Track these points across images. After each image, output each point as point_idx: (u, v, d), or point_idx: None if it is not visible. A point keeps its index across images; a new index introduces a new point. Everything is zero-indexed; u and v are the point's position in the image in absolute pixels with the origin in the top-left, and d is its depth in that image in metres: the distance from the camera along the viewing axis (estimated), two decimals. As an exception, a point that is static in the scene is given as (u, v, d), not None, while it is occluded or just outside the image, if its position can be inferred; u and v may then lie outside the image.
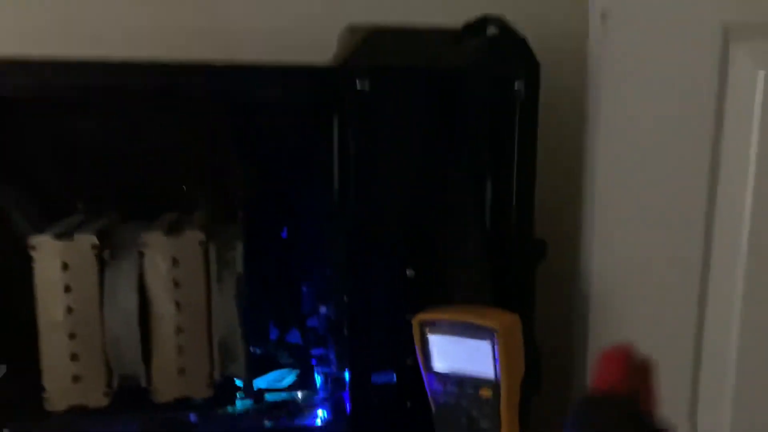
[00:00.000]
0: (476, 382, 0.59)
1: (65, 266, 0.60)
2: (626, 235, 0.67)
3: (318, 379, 0.70)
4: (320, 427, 0.68)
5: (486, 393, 0.59)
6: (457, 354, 0.59)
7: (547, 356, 0.65)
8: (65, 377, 0.61)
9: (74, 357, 0.61)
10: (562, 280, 0.71)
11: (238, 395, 0.67)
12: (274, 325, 0.70)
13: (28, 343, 0.61)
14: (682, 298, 0.68)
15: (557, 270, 0.69)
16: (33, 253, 0.59)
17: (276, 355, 0.70)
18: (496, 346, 0.57)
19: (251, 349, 0.66)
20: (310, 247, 0.70)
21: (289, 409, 0.68)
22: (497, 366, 0.57)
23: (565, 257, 0.70)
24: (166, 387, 0.62)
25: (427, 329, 0.59)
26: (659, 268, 0.68)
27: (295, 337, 0.71)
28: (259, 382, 0.69)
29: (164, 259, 0.61)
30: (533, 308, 0.65)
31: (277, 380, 0.70)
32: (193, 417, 0.65)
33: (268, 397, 0.68)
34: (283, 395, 0.69)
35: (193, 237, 0.61)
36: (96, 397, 0.62)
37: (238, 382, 0.67)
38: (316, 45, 0.67)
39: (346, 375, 0.65)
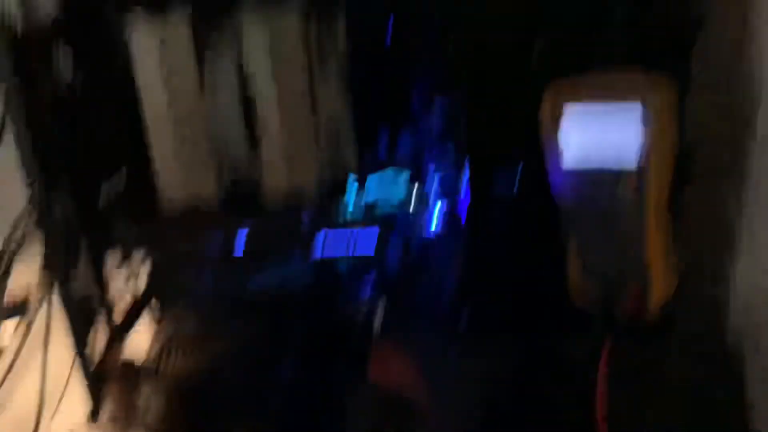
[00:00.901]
0: (616, 174, 0.49)
1: (162, 43, 0.56)
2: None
3: (432, 180, 0.64)
4: (433, 240, 0.62)
5: (630, 185, 0.49)
6: (594, 134, 0.49)
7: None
8: (176, 174, 0.60)
9: (181, 148, 0.59)
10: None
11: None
12: (385, 121, 0.64)
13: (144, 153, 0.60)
14: None
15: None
16: (130, 33, 0.56)
17: (387, 154, 0.64)
18: (646, 120, 0.47)
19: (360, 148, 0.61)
20: (423, 31, 0.61)
21: (401, 221, 0.63)
22: (645, 148, 0.48)
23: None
24: (273, 179, 0.59)
25: (561, 98, 0.50)
26: None
27: (407, 135, 0.64)
28: (370, 181, 0.64)
29: (262, 35, 0.55)
30: (689, 72, 0.52)
31: (389, 179, 0.64)
32: (305, 217, 0.62)
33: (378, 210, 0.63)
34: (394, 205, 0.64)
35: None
36: (207, 195, 0.60)
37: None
38: None
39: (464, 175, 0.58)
